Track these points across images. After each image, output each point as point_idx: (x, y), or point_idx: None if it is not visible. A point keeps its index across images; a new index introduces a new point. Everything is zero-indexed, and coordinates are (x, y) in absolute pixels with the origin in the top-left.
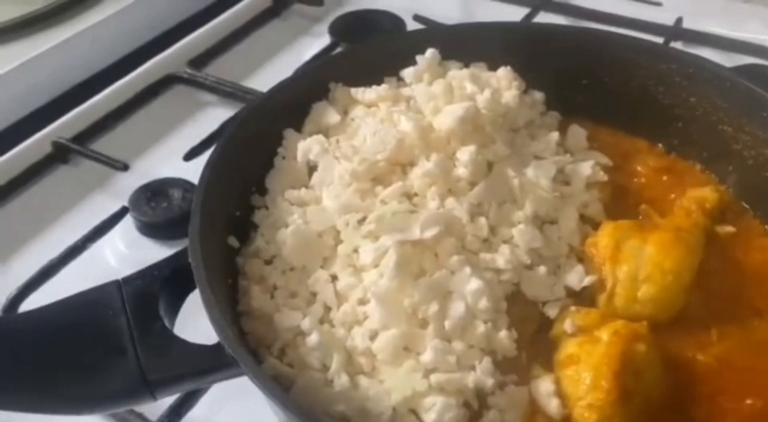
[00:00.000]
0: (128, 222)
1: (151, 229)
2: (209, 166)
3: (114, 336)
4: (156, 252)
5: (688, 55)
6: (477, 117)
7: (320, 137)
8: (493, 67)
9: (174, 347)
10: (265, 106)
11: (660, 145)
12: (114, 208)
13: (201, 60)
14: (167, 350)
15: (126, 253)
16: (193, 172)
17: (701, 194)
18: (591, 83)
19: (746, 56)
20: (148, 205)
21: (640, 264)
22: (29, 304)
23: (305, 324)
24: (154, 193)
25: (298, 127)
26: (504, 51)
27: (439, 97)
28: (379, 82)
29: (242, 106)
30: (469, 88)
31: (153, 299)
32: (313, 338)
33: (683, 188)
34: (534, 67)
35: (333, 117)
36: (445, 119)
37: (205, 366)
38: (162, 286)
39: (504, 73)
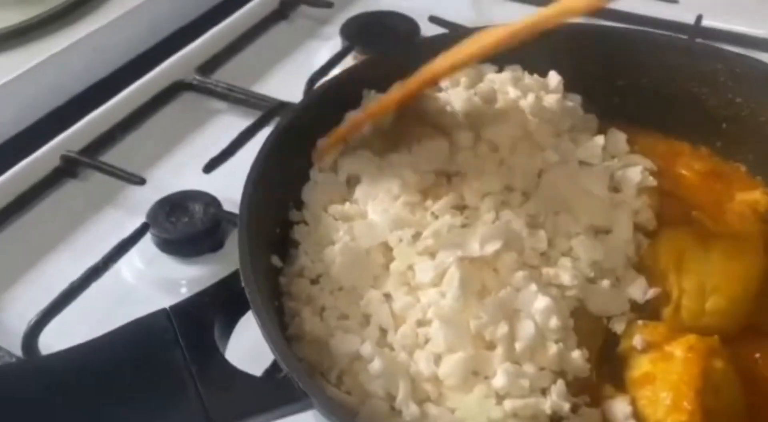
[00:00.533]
0: (146, 238)
1: (172, 246)
2: (252, 183)
3: (172, 372)
4: (177, 269)
5: (733, 54)
6: (525, 123)
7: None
8: (526, 70)
9: (236, 381)
10: (301, 117)
11: (703, 148)
12: (130, 223)
13: (209, 66)
14: (230, 385)
15: (145, 272)
16: (213, 184)
17: (753, 197)
18: (627, 84)
19: None
20: (168, 220)
21: (706, 273)
22: (50, 333)
23: (365, 348)
24: (173, 207)
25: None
26: (535, 53)
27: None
28: None
29: (258, 115)
30: (512, 92)
31: (208, 328)
32: (375, 364)
33: (731, 192)
34: (567, 68)
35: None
36: (493, 127)
37: (271, 401)
38: (215, 314)
39: (551, 76)
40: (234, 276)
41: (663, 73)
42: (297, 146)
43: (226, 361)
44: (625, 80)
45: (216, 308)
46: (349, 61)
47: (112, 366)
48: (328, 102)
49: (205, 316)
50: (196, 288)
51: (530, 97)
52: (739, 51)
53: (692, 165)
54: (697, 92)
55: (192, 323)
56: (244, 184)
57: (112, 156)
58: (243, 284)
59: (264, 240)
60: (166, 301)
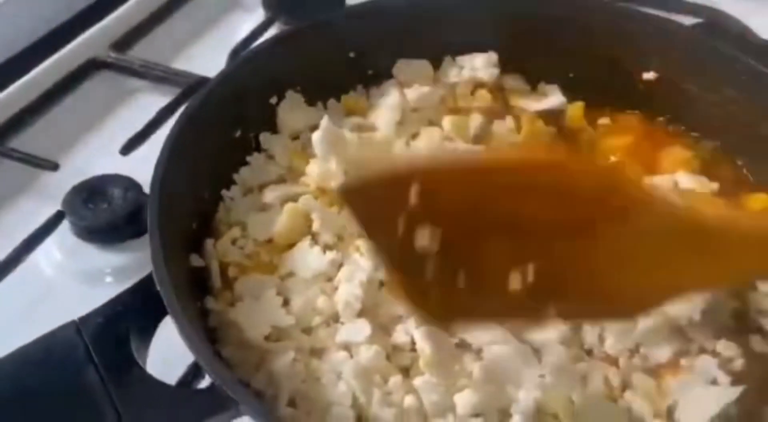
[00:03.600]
0: (64, 227)
1: (92, 234)
2: (161, 167)
3: (87, 394)
4: (100, 258)
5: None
6: None
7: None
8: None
9: (162, 397)
10: (213, 97)
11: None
12: (45, 212)
13: (124, 42)
14: (154, 402)
15: (65, 263)
16: (132, 166)
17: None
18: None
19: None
20: (85, 206)
21: None
22: None
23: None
24: (91, 193)
25: (249, 119)
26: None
27: None
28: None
29: (177, 93)
30: None
31: (124, 340)
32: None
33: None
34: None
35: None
36: None
37: (201, 413)
38: (131, 323)
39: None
40: (149, 279)
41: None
42: (215, 123)
43: (147, 376)
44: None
45: (131, 317)
46: (272, 32)
47: (17, 393)
48: (246, 76)
49: (119, 327)
50: (122, 277)
51: None
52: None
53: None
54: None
55: (105, 336)
56: (151, 180)
57: (22, 141)
58: (158, 287)
59: (179, 236)
60: (90, 293)
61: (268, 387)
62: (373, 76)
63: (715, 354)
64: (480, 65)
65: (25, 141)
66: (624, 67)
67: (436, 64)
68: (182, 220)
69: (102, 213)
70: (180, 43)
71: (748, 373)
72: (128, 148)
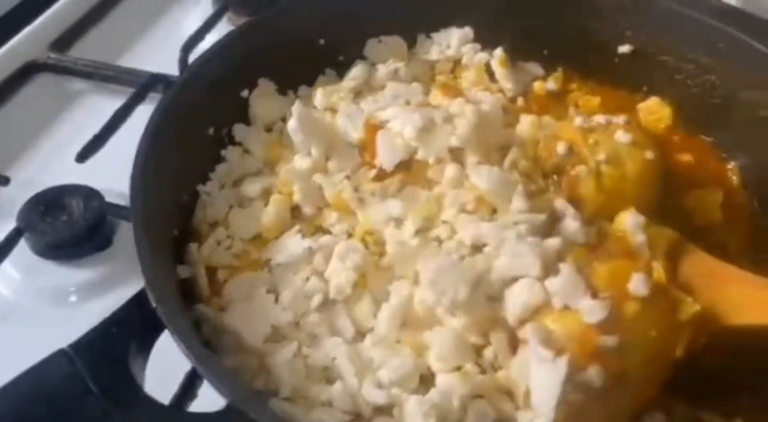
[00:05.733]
0: (21, 245)
1: (53, 250)
2: (139, 174)
3: None
4: (62, 275)
5: None
6: None
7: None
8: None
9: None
10: (184, 96)
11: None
12: (0, 230)
13: (64, 41)
14: None
15: (25, 283)
16: (90, 174)
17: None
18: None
19: None
20: (44, 221)
21: None
22: None
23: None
24: (48, 205)
25: (222, 114)
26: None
27: None
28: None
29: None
30: None
31: (122, 362)
32: None
33: None
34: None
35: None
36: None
37: None
38: (129, 343)
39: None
40: (141, 296)
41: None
42: (187, 122)
43: (153, 401)
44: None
45: (128, 338)
46: (224, 24)
47: None
48: (216, 70)
49: (116, 350)
50: (87, 294)
51: None
52: None
53: None
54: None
55: (102, 361)
56: (130, 191)
57: None
58: (154, 304)
59: (164, 246)
60: (55, 313)
61: (267, 384)
62: (345, 61)
63: None
64: (456, 42)
65: None
66: (598, 42)
67: (411, 44)
68: (164, 229)
69: (62, 226)
70: (125, 40)
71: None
72: (84, 155)
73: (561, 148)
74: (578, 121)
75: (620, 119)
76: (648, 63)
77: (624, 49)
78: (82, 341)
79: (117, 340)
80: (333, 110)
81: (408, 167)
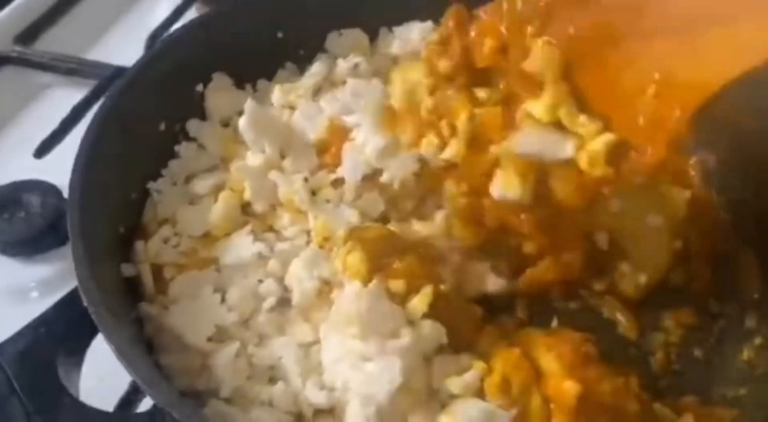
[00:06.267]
0: None
1: (11, 247)
2: (80, 171)
3: None
4: (22, 272)
5: None
6: None
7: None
8: None
9: None
10: (132, 89)
11: None
12: None
13: (29, 34)
14: None
15: None
16: (49, 170)
17: None
18: None
19: None
20: (0, 218)
21: None
22: None
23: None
24: (4, 202)
25: (175, 109)
26: None
27: None
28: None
29: (93, 85)
30: None
31: (49, 366)
32: None
33: None
34: None
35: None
36: None
37: None
38: (58, 347)
39: None
40: (74, 295)
41: None
42: (136, 117)
43: (79, 404)
44: None
45: (57, 339)
46: (192, 14)
47: None
48: (167, 63)
49: (44, 352)
50: (49, 290)
51: None
52: None
53: None
54: None
55: (28, 363)
56: (69, 186)
57: None
58: (86, 304)
59: (106, 243)
60: (17, 311)
61: (209, 384)
62: (306, 55)
63: None
64: (418, 36)
65: None
66: None
67: (373, 38)
68: (109, 226)
69: (19, 223)
70: (91, 32)
71: None
72: (43, 149)
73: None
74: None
75: None
76: None
77: None
78: (9, 341)
79: (45, 341)
80: (291, 107)
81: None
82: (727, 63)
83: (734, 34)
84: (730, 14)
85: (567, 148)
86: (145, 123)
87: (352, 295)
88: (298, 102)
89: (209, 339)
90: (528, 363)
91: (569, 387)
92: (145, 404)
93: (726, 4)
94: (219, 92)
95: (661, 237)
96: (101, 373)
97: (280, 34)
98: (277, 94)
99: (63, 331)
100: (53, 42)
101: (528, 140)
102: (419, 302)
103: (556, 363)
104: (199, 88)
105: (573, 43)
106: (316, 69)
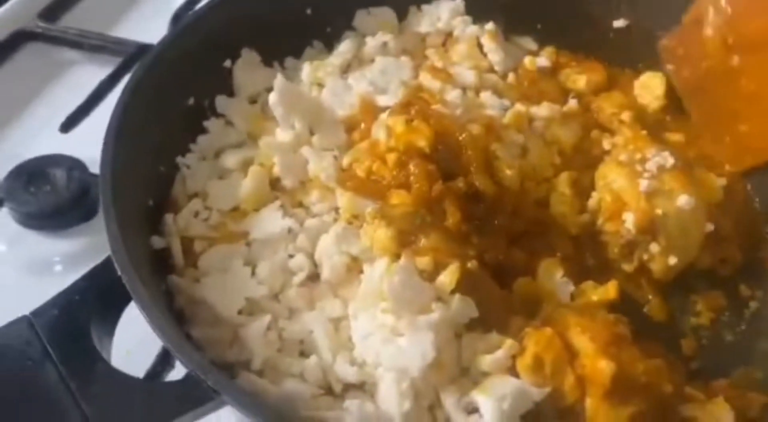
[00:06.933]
0: (4, 214)
1: (36, 220)
2: (111, 143)
3: (46, 395)
4: (46, 246)
5: None
6: None
7: None
8: None
9: (132, 393)
10: (160, 65)
11: None
12: None
13: (54, 10)
14: (124, 398)
15: (8, 253)
16: (74, 145)
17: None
18: None
19: None
20: (27, 191)
21: None
22: None
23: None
24: (31, 176)
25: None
26: None
27: None
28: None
29: (118, 62)
30: None
31: (84, 332)
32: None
33: None
34: None
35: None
36: None
37: (179, 408)
38: (91, 313)
39: None
40: (106, 264)
41: None
42: (165, 92)
43: (113, 370)
44: None
45: (91, 306)
46: None
47: None
48: (195, 39)
49: (78, 318)
50: (73, 265)
51: None
52: None
53: None
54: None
55: (63, 329)
56: (101, 160)
57: None
58: (120, 272)
59: (136, 216)
60: (40, 284)
61: (240, 356)
62: (333, 33)
63: None
64: (447, 14)
65: None
66: (593, 16)
67: (402, 16)
68: (138, 199)
69: (45, 197)
70: (115, 9)
71: None
72: (68, 124)
73: (629, 223)
74: (643, 185)
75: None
76: (643, 38)
77: (619, 23)
78: (44, 307)
79: (78, 308)
80: (320, 84)
81: None
82: None
83: None
84: None
85: None
86: (173, 98)
87: (381, 270)
88: (326, 79)
89: (240, 312)
90: (561, 343)
91: (604, 366)
92: (172, 377)
93: None
94: (247, 68)
95: (693, 219)
96: (128, 346)
97: (308, 11)
98: (307, 70)
99: (96, 299)
100: (77, 19)
101: None
102: (447, 278)
103: (590, 343)
104: (227, 64)
105: None
106: (345, 47)
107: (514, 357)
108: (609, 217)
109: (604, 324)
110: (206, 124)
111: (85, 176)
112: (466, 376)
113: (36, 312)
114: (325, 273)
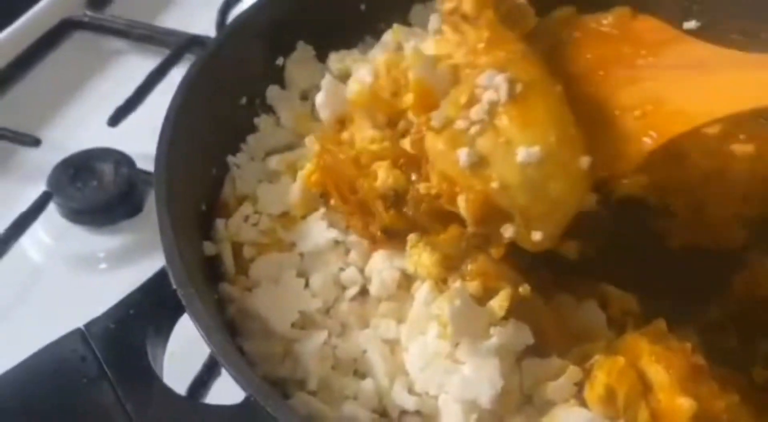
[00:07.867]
0: (51, 209)
1: (83, 215)
2: (165, 150)
3: (102, 415)
4: (92, 241)
5: None
6: None
7: None
8: None
9: (189, 417)
10: (216, 62)
11: None
12: (29, 193)
13: None
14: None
15: (55, 247)
16: (122, 139)
17: None
18: None
19: None
20: (73, 185)
21: None
22: None
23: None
24: (78, 170)
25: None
26: None
27: None
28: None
29: (167, 54)
30: None
31: (139, 349)
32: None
33: None
34: None
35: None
36: None
37: None
38: (146, 328)
39: None
40: (161, 275)
41: None
42: (219, 91)
43: (168, 390)
44: None
45: (146, 321)
46: None
47: (25, 413)
48: (250, 36)
49: (133, 334)
50: (117, 261)
51: None
52: None
53: None
54: None
55: (118, 345)
56: (155, 163)
57: None
58: (174, 286)
59: (189, 222)
60: (84, 279)
61: (294, 372)
62: (386, 29)
63: None
64: None
65: None
66: (663, 17)
67: None
68: (191, 203)
69: (92, 192)
70: None
71: None
72: (116, 118)
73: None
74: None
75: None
76: (716, 40)
77: (690, 25)
78: (98, 320)
79: (134, 322)
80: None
81: None
82: (716, 104)
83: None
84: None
85: None
86: (227, 97)
87: (426, 295)
88: (353, 66)
89: (293, 326)
90: (634, 373)
91: (683, 404)
92: (217, 387)
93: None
94: (301, 63)
95: (546, 172)
96: (171, 348)
97: (362, 7)
98: (333, 61)
99: (150, 313)
100: (125, 8)
101: None
102: (498, 303)
103: (666, 375)
104: (280, 61)
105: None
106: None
107: (577, 385)
108: (449, 204)
109: (680, 354)
110: (256, 120)
111: (133, 171)
112: (530, 404)
113: (90, 326)
114: (374, 287)
